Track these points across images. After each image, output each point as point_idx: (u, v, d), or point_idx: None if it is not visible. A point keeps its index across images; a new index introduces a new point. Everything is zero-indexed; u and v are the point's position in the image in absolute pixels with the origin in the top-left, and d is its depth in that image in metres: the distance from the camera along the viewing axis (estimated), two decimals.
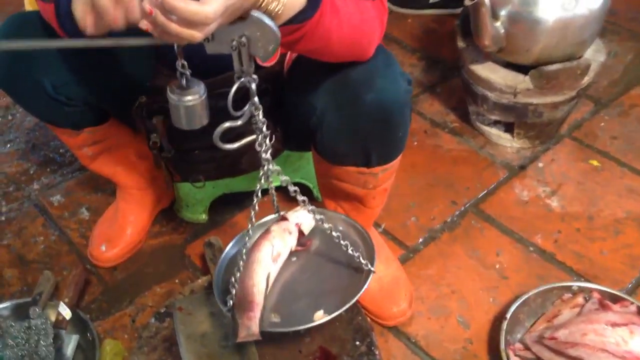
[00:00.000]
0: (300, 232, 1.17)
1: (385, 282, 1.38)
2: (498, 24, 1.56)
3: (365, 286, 1.08)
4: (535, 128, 1.72)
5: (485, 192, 1.66)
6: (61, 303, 1.32)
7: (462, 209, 1.62)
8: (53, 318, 1.31)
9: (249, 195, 1.60)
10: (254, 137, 0.96)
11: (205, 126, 1.08)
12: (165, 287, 1.47)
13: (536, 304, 1.33)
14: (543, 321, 1.30)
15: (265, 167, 1.00)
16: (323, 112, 1.10)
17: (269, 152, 0.98)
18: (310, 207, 1.08)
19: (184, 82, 0.88)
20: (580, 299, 1.31)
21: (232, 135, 0.94)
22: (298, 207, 1.17)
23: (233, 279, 1.07)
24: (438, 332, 1.35)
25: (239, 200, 1.63)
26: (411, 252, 1.52)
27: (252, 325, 1.04)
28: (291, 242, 1.16)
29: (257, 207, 1.03)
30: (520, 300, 1.30)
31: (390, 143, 1.16)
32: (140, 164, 1.50)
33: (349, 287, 1.11)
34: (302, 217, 1.17)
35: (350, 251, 1.10)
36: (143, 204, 1.57)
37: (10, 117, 1.98)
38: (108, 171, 1.47)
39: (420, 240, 1.55)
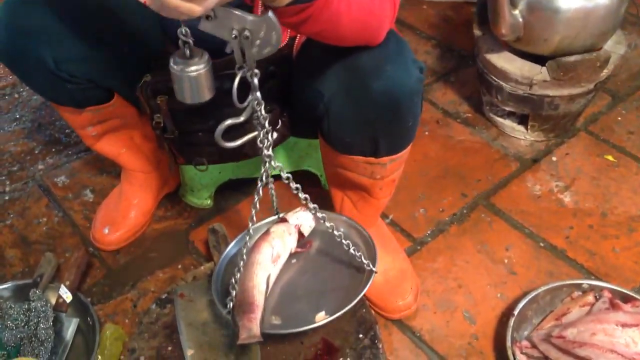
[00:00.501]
0: (300, 234, 1.15)
1: (391, 275, 1.35)
2: (516, 12, 1.52)
3: (367, 287, 1.08)
4: (550, 121, 1.68)
5: (496, 185, 1.63)
6: (62, 286, 1.31)
7: (472, 201, 1.58)
8: (53, 301, 1.29)
9: (255, 181, 1.58)
10: (255, 133, 0.94)
11: (209, 108, 1.05)
12: (168, 273, 1.45)
13: (545, 301, 1.30)
14: (551, 319, 1.27)
15: (267, 164, 0.98)
16: (330, 99, 1.07)
17: (271, 148, 0.96)
18: (312, 206, 1.06)
19: (187, 51, 0.85)
20: (590, 298, 1.28)
21: (232, 129, 0.92)
22: (298, 208, 1.15)
23: (233, 280, 1.05)
24: (443, 326, 1.32)
25: (245, 187, 1.61)
26: (418, 244, 1.49)
27: (253, 327, 1.02)
28: (291, 243, 1.14)
29: (257, 206, 1.02)
30: (529, 297, 1.27)
31: (399, 133, 1.13)
32: (145, 146, 1.48)
33: (350, 288, 1.10)
34: (302, 219, 1.16)
35: (352, 251, 1.08)
36: (148, 187, 1.55)
37: (16, 95, 1.96)
38: (112, 152, 1.45)
39: (428, 232, 1.52)
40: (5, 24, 1.13)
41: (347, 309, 1.05)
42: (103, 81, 1.24)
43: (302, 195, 1.03)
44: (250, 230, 1.04)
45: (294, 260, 1.16)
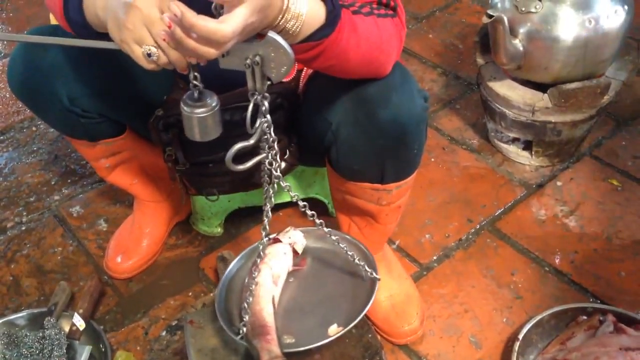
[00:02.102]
0: (294, 252, 1.18)
1: (398, 300, 1.37)
2: (516, 41, 1.55)
3: (374, 294, 1.09)
4: (554, 146, 1.70)
5: (501, 210, 1.65)
6: (75, 314, 1.34)
7: (478, 226, 1.61)
8: (67, 328, 1.33)
9: (256, 209, 1.60)
10: (264, 155, 0.97)
11: (219, 140, 1.09)
12: (179, 300, 1.48)
13: (550, 326, 1.31)
14: (556, 343, 1.28)
15: (275, 185, 1.01)
16: (338, 127, 1.11)
17: (279, 169, 0.99)
18: (319, 221, 1.08)
19: (196, 94, 0.89)
20: (595, 322, 1.28)
21: (241, 154, 0.95)
22: (288, 228, 1.18)
23: (245, 305, 1.07)
24: (449, 351, 1.34)
25: (254, 214, 1.64)
26: (425, 269, 1.51)
27: (272, 348, 1.04)
28: (287, 262, 1.17)
29: (267, 228, 1.04)
30: (534, 322, 1.28)
31: (405, 159, 1.16)
32: (157, 177, 1.52)
33: (355, 298, 1.11)
34: (294, 237, 1.19)
35: (356, 261, 1.11)
36: (159, 216, 1.59)
37: (34, 129, 2.02)
38: (125, 183, 1.49)
39: (435, 257, 1.54)
40: (22, 62, 1.18)
41: (359, 318, 1.06)
42: (115, 116, 1.29)
43: (309, 212, 1.05)
44: (260, 252, 1.07)
45: (291, 279, 1.18)
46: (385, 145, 1.10)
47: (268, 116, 0.91)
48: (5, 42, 2.49)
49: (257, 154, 1.01)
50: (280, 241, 1.17)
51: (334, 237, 1.11)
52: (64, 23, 1.00)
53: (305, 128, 1.25)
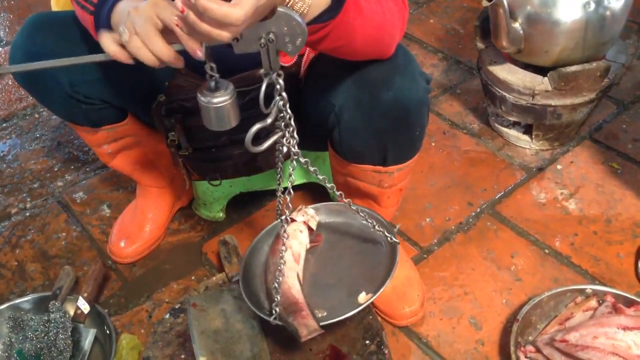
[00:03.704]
0: (309, 229, 1.18)
1: (398, 283, 1.39)
2: (516, 25, 1.55)
3: (398, 256, 1.10)
4: (554, 130, 1.71)
5: (502, 193, 1.66)
6: (80, 297, 1.36)
7: (478, 210, 1.62)
8: (72, 312, 1.34)
9: (266, 193, 1.62)
10: (280, 134, 0.97)
11: None
12: (182, 284, 1.50)
13: (549, 307, 1.32)
14: (555, 324, 1.29)
15: (295, 162, 1.01)
16: (341, 109, 1.12)
17: (297, 145, 0.98)
18: (339, 193, 1.08)
19: (212, 84, 0.90)
20: (593, 302, 1.30)
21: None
22: (300, 207, 1.19)
23: (276, 285, 1.07)
24: (449, 332, 1.35)
25: (256, 199, 1.65)
26: (425, 252, 1.52)
27: (309, 322, 1.05)
28: (305, 240, 1.18)
29: (290, 205, 1.03)
30: (533, 303, 1.30)
31: (407, 142, 1.17)
32: (160, 162, 1.53)
33: (377, 265, 1.12)
34: (308, 214, 1.19)
35: (376, 227, 1.11)
36: (162, 201, 1.60)
37: (37, 115, 2.03)
38: (127, 169, 1.50)
39: (435, 241, 1.55)
40: (23, 50, 1.19)
41: (388, 281, 1.07)
42: (117, 101, 1.30)
43: (320, 177, 1.05)
44: (281, 233, 1.07)
45: (310, 256, 1.19)
46: (387, 127, 1.11)
47: (284, 94, 0.91)
48: (6, 29, 2.50)
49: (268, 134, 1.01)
50: (294, 220, 1.18)
51: (353, 207, 1.11)
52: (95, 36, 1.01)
53: (308, 112, 1.26)
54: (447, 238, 1.55)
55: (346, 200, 1.10)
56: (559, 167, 1.72)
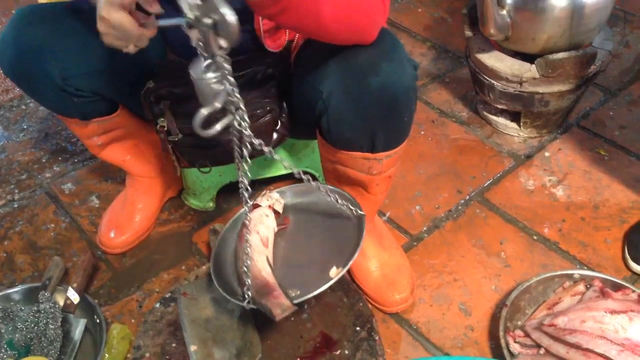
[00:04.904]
0: (276, 213, 1.19)
1: (388, 270, 1.39)
2: (504, 12, 1.56)
3: (364, 228, 1.12)
4: (542, 117, 1.72)
5: (490, 181, 1.67)
6: (70, 288, 1.35)
7: (467, 197, 1.62)
8: (62, 302, 1.34)
9: (256, 183, 1.62)
10: (232, 118, 0.94)
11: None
12: (172, 274, 1.49)
13: (537, 292, 1.33)
14: (544, 308, 1.31)
15: (273, 155, 1.00)
16: (329, 96, 1.11)
17: (248, 129, 0.95)
18: (306, 177, 1.08)
19: (204, 60, 0.88)
20: (581, 287, 1.31)
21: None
22: (264, 192, 1.20)
23: (245, 269, 1.08)
24: (439, 319, 1.36)
25: None
26: (415, 240, 1.53)
27: (282, 302, 1.05)
28: (272, 224, 1.19)
29: (249, 188, 1.02)
30: (521, 288, 1.31)
31: (396, 128, 1.18)
32: (149, 153, 1.53)
33: (346, 239, 1.14)
34: (272, 199, 1.21)
35: (340, 202, 1.14)
36: (152, 191, 1.60)
37: (23, 107, 2.02)
38: (117, 160, 1.50)
39: (425, 228, 1.56)
40: (13, 42, 1.18)
41: (356, 254, 1.08)
42: (108, 93, 1.29)
43: (285, 164, 1.06)
44: (246, 215, 1.06)
45: (279, 239, 1.20)
46: (376, 113, 1.11)
47: (231, 78, 0.89)
48: None
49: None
50: (259, 205, 1.19)
51: (314, 184, 1.11)
52: None
53: (297, 98, 1.25)
54: (436, 225, 1.56)
55: (306, 177, 1.09)
56: (546, 154, 1.73)
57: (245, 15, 1.10)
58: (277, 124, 1.30)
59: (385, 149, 1.19)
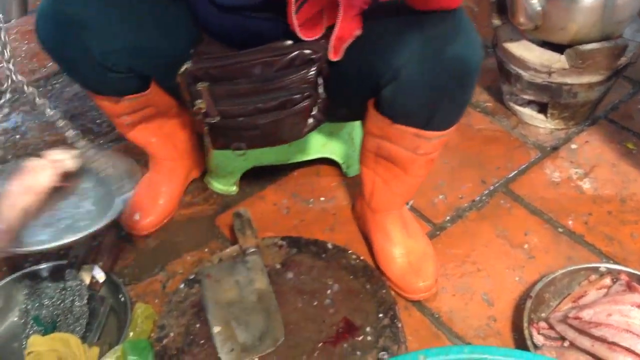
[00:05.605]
0: (62, 171, 1.21)
1: (414, 257, 1.39)
2: (534, 1, 1.54)
3: (114, 216, 1.19)
4: (570, 109, 1.70)
5: (515, 172, 1.65)
6: (95, 266, 1.37)
7: (492, 188, 1.61)
8: (87, 281, 1.35)
9: (279, 168, 1.62)
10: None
11: (250, 94, 1.16)
12: (195, 256, 1.50)
13: (562, 284, 1.32)
14: (568, 301, 1.30)
15: None
16: (402, 66, 1.11)
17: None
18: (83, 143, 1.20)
19: None
20: (607, 281, 1.30)
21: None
22: (57, 150, 1.23)
23: None
24: (462, 308, 1.36)
25: (269, 173, 1.65)
26: (438, 229, 1.52)
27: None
28: (44, 177, 1.19)
29: None
30: (546, 280, 1.30)
31: (457, 103, 1.19)
32: (175, 136, 1.53)
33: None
34: (59, 156, 1.21)
35: (103, 172, 1.23)
36: (175, 175, 1.60)
37: (49, 87, 2.03)
38: (144, 141, 1.50)
39: (448, 218, 1.55)
40: (52, 15, 1.18)
41: (88, 232, 1.16)
42: (143, 70, 1.29)
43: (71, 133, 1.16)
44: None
45: (57, 195, 1.22)
46: (446, 84, 1.12)
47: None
48: None
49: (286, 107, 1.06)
50: (40, 157, 1.21)
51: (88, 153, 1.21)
52: None
53: (347, 78, 1.23)
54: (460, 215, 1.55)
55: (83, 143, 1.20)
56: (573, 146, 1.72)
57: (278, 10, 1.10)
58: (313, 110, 1.29)
59: (438, 127, 1.20)
